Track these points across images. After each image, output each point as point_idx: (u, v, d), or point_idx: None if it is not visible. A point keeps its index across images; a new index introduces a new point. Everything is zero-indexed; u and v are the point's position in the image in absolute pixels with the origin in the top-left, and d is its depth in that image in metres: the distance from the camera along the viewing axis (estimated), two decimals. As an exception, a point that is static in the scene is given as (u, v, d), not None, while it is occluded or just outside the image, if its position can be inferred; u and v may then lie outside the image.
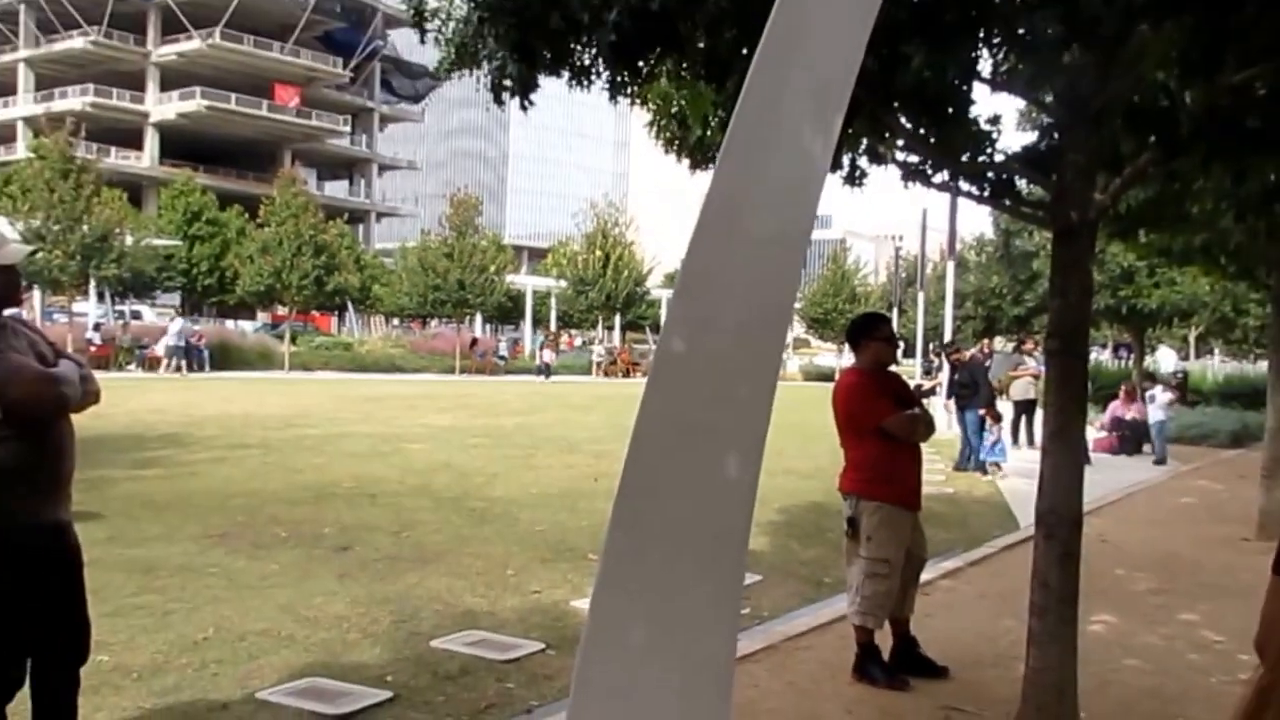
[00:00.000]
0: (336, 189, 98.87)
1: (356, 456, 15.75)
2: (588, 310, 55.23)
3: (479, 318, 58.21)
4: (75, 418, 4.24)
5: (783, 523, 11.26)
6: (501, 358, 49.05)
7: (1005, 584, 8.64)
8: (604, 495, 12.14)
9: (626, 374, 48.02)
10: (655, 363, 2.73)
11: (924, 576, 7.13)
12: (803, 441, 17.34)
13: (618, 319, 57.82)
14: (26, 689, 4.20)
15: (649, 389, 2.84)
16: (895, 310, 42.90)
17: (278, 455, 15.66)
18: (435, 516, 11.18)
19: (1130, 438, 20.97)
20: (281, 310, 47.72)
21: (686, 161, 7.51)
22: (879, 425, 6.26)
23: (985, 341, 29.01)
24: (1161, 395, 20.30)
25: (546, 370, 44.02)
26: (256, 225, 47.21)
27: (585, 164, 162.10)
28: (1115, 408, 21.51)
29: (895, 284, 48.42)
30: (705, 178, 7.44)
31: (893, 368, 6.77)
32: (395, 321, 71.60)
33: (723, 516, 2.77)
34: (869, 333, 6.54)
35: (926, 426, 6.49)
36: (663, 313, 66.43)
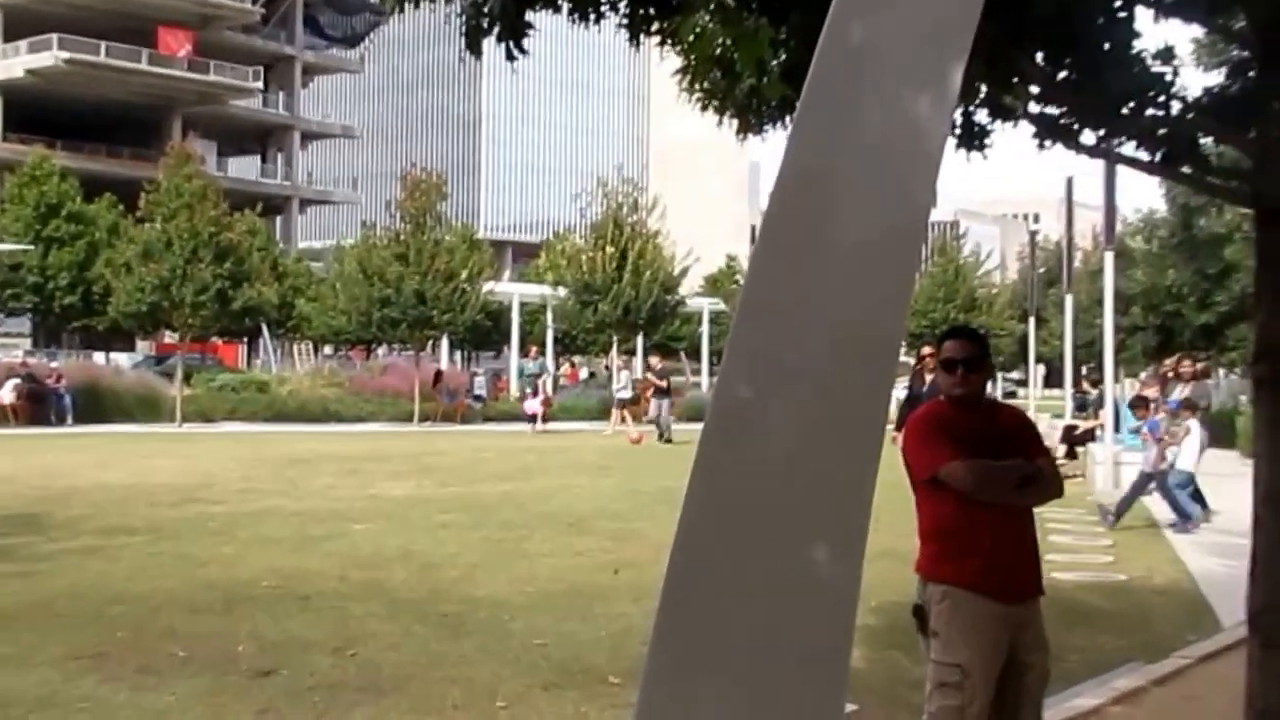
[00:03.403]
0: (245, 167, 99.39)
1: (279, 543, 15.72)
2: (598, 329, 55.07)
3: (445, 343, 58.21)
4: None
5: (883, 628, 11.14)
6: (478, 398, 48.89)
7: (1205, 710, 8.55)
8: (629, 594, 12.08)
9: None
10: (711, 417, 2.69)
11: (1090, 700, 7.05)
12: (904, 509, 17.23)
13: (640, 341, 57.63)
14: None
15: (703, 453, 2.80)
16: (1032, 320, 42.58)
17: (171, 543, 15.62)
18: (392, 627, 11.13)
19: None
20: (170, 338, 47.86)
21: (733, 123, 7.50)
22: (932, 476, 6.28)
23: (1171, 362, 28.65)
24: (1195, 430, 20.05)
25: (533, 417, 42.54)
26: (135, 221, 47.33)
27: (588, 126, 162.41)
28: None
29: (1031, 284, 48.14)
30: (761, 145, 7.45)
31: (1029, 401, 6.82)
32: (328, 350, 71.76)
33: (811, 631, 2.73)
34: (937, 355, 6.63)
35: (1028, 482, 6.38)
36: (703, 330, 66.54)
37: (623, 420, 41.23)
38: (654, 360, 45.82)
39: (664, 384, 40.27)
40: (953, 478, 6.22)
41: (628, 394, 42.51)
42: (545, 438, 39.23)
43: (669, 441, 35.73)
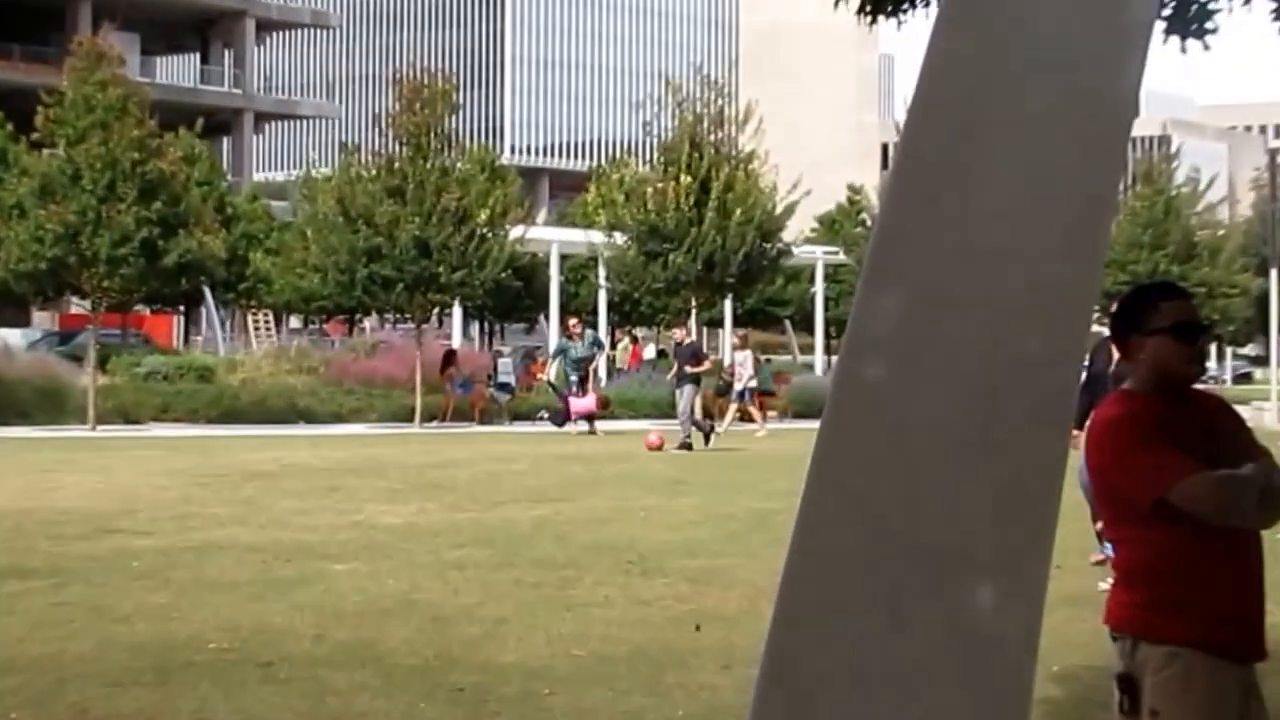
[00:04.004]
0: (179, 69, 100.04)
1: (232, 589, 15.80)
2: (669, 290, 54.94)
3: (458, 312, 58.32)
4: None
5: (1068, 702, 11.17)
6: (503, 387, 48.96)
7: None
8: (715, 658, 12.10)
9: (744, 414, 47.67)
10: (831, 409, 2.68)
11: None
12: (1085, 532, 17.18)
13: (728, 305, 57.62)
14: None
15: (821, 457, 2.81)
16: (1275, 273, 42.28)
17: (81, 589, 15.72)
18: (388, 704, 11.19)
19: None
20: (79, 307, 48.17)
21: (851, 1, 7.52)
22: (1158, 497, 6.17)
23: None
24: None
25: (585, 416, 42.15)
26: (30, 146, 47.64)
27: (654, 9, 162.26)
28: None
29: (1271, 222, 47.89)
30: (894, 33, 7.45)
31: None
32: (296, 323, 72.19)
33: (973, 706, 2.72)
34: (1140, 322, 6.40)
35: (1266, 497, 6.34)
36: (817, 291, 66.59)
37: (752, 415, 41.65)
38: (678, 332, 45.16)
39: (697, 366, 39.66)
40: (1190, 498, 6.07)
41: (755, 382, 42.70)
42: (596, 443, 39.21)
43: (689, 447, 35.71)
